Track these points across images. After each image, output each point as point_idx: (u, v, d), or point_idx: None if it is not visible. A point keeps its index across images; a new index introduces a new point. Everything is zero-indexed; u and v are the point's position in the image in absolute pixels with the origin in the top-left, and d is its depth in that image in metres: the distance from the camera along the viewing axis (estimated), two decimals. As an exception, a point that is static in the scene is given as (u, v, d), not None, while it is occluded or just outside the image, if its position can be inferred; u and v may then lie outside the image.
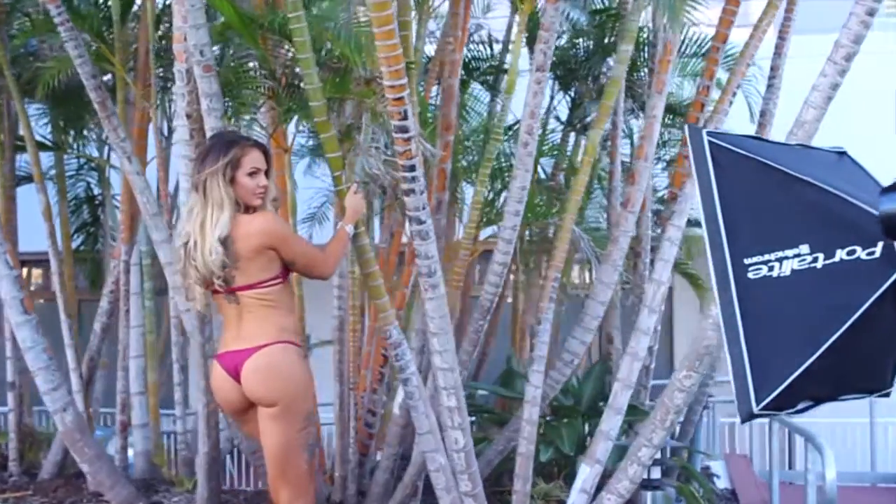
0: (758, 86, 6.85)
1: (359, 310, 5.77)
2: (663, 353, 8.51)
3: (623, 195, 5.56)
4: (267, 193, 4.03)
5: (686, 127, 3.06)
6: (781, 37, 6.09)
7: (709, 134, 3.03)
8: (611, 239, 5.43)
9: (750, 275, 2.94)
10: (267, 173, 4.02)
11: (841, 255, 2.82)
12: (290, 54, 5.11)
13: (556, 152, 7.49)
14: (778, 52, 6.16)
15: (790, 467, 10.87)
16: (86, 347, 6.93)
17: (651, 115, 5.36)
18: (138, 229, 6.24)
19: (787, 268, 2.90)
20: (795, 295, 2.88)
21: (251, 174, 3.93)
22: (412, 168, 4.16)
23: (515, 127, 7.14)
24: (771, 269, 2.92)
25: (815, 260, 2.87)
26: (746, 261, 2.95)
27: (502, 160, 6.96)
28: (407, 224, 4.29)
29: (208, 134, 4.55)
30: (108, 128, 4.99)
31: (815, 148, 3.35)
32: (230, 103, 4.75)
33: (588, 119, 7.22)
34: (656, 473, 5.20)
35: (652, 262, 6.53)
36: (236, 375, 3.97)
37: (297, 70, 5.21)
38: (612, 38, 6.82)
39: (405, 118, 4.05)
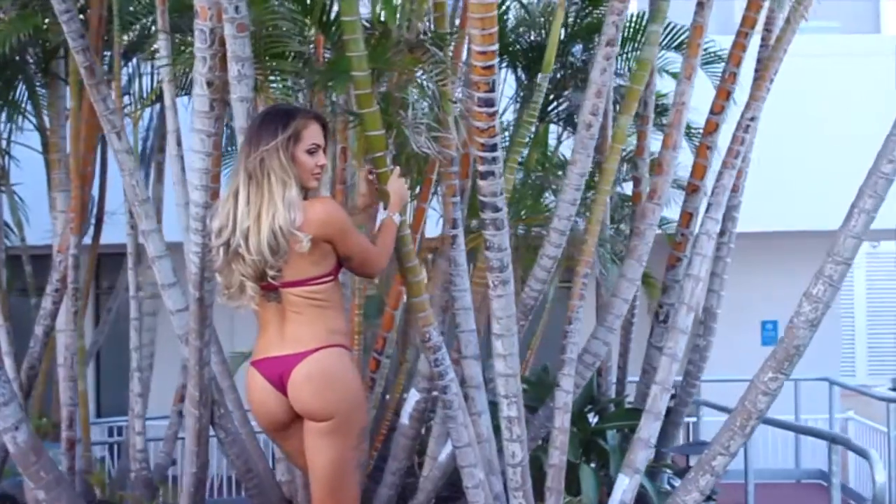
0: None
1: (362, 310, 5.21)
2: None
3: (649, 185, 5.24)
4: (323, 174, 3.50)
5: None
6: (767, 28, 5.92)
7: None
8: (635, 232, 5.09)
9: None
10: (324, 150, 3.48)
11: None
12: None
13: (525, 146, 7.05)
14: (765, 44, 5.99)
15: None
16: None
17: (679, 103, 5.07)
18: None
19: None
20: None
21: (310, 151, 3.39)
22: (493, 147, 3.67)
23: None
24: None
25: None
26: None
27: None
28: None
29: (234, 105, 3.93)
30: (95, 97, 4.24)
31: None
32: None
33: (558, 109, 6.88)
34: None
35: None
36: (281, 385, 3.43)
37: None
38: (583, 22, 6.49)
39: (492, 90, 3.56)
